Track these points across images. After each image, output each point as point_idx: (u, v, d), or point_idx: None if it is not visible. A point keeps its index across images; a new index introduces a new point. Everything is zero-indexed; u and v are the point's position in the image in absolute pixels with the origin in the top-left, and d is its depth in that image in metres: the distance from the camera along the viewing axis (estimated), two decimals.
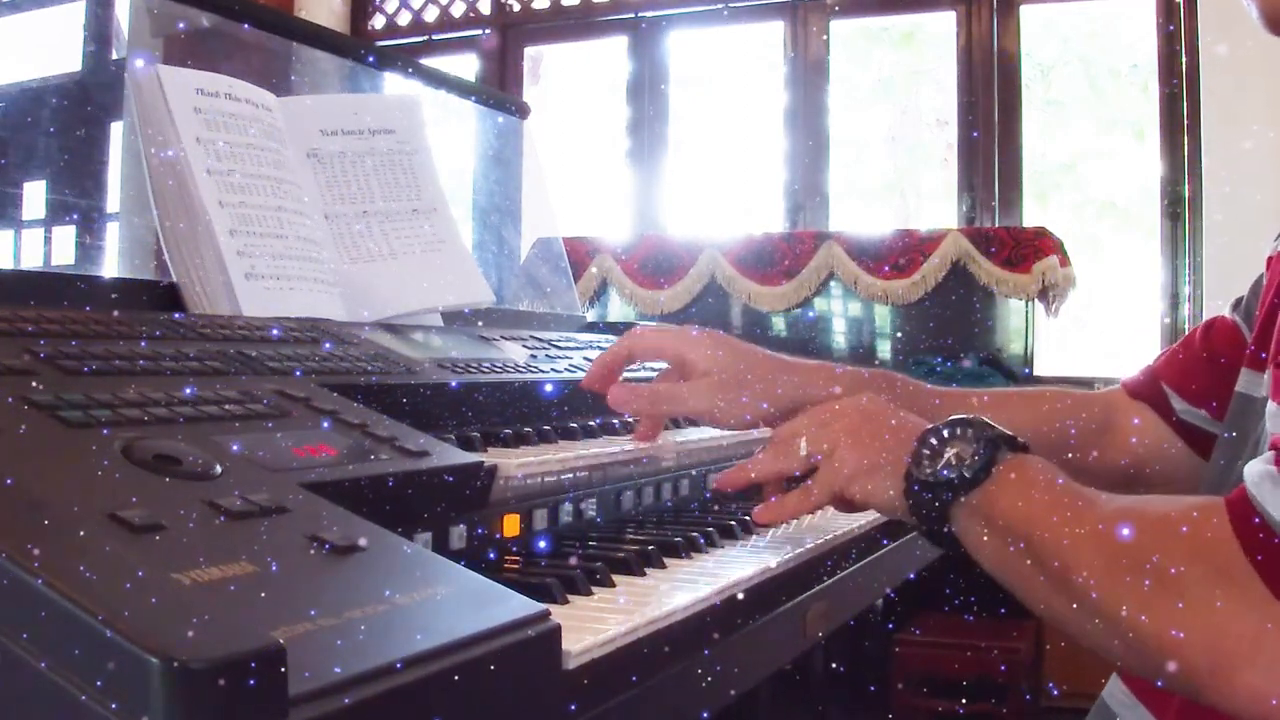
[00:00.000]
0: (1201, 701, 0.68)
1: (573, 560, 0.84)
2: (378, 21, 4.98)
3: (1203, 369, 1.10)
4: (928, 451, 0.83)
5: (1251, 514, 0.68)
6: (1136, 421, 1.15)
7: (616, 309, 3.87)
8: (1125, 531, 0.71)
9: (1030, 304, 3.46)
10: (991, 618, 2.93)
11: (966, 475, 0.80)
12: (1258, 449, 0.90)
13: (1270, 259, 1.02)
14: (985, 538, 0.80)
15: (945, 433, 0.83)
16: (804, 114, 4.29)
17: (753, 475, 0.96)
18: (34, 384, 0.67)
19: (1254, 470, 0.70)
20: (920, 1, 4.32)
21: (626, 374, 1.14)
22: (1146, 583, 0.68)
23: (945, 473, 0.81)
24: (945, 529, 0.82)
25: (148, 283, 1.11)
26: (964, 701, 2.81)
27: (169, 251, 1.10)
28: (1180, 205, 3.71)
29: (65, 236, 1.46)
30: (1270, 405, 0.85)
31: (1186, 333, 1.21)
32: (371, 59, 1.58)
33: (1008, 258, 3.41)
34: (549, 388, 1.17)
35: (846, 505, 0.93)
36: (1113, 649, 0.72)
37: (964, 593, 2.84)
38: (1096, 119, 4.31)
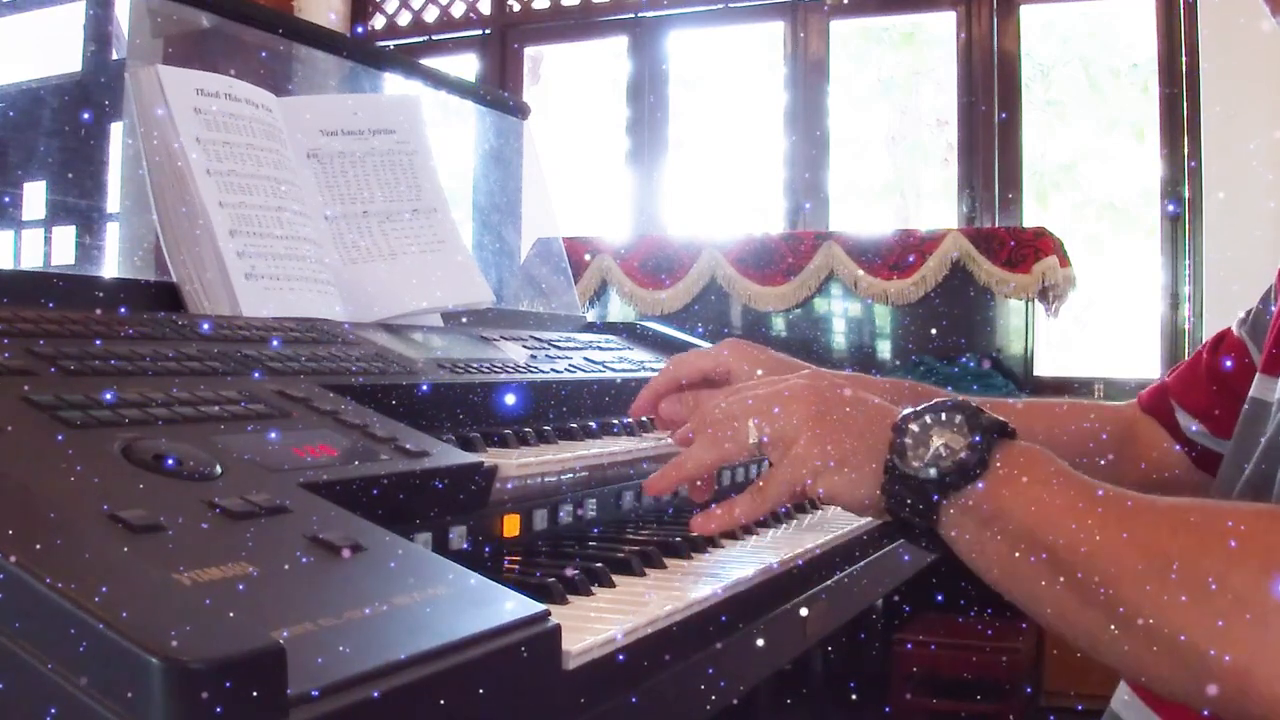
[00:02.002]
0: None
1: (572, 560, 0.84)
2: (378, 21, 4.98)
3: (1207, 385, 1.10)
4: (909, 441, 0.72)
5: None
6: (1148, 436, 1.15)
7: (616, 309, 3.86)
8: (1175, 538, 0.62)
9: (1030, 304, 3.46)
10: (991, 618, 2.93)
11: (960, 469, 0.69)
12: (1271, 452, 0.90)
13: None
14: (986, 541, 0.69)
15: (928, 419, 0.72)
16: (804, 114, 4.29)
17: (690, 468, 0.83)
18: (34, 384, 0.67)
19: None
20: (920, 1, 4.32)
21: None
22: (1215, 603, 0.59)
23: (934, 466, 0.70)
24: (933, 530, 0.72)
25: (148, 283, 1.11)
26: (964, 702, 2.81)
27: (169, 251, 1.10)
28: (1180, 205, 3.71)
29: (65, 236, 1.46)
30: None
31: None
32: (371, 59, 1.58)
33: (1008, 258, 3.41)
34: (549, 388, 1.17)
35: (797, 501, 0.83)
36: (1155, 672, 0.63)
37: (964, 593, 2.84)
38: (1096, 119, 4.31)
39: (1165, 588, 0.61)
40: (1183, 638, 0.60)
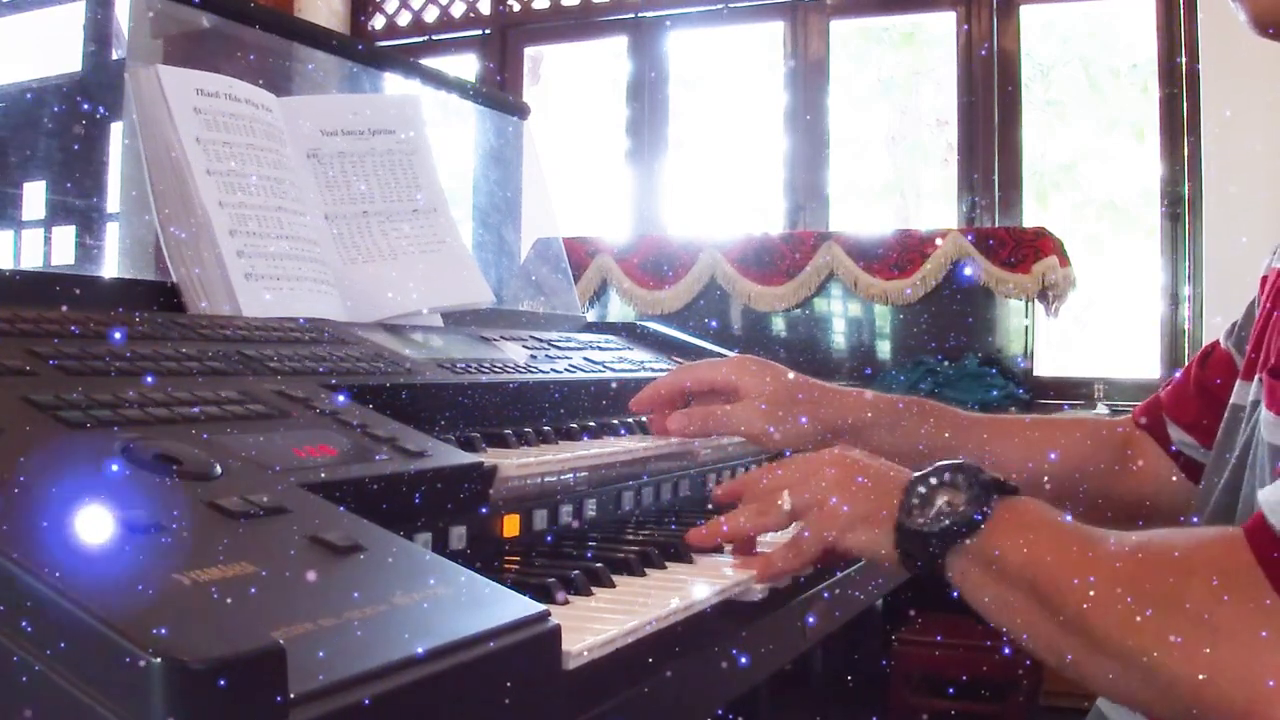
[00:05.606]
0: None
1: (572, 561, 0.84)
2: (378, 21, 4.98)
3: (1195, 398, 1.13)
4: (917, 500, 0.80)
5: (1274, 542, 0.65)
6: (1142, 449, 1.18)
7: (616, 309, 3.86)
8: (1141, 569, 0.69)
9: (1030, 304, 3.46)
10: None
11: (960, 522, 0.77)
12: (1244, 457, 0.91)
13: (1264, 279, 1.03)
14: (985, 584, 0.77)
15: (934, 480, 0.80)
16: (804, 114, 4.28)
17: (731, 533, 0.92)
18: (34, 384, 0.67)
19: (1272, 498, 0.67)
20: (920, 1, 4.31)
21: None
22: (1170, 622, 0.66)
23: (937, 521, 0.78)
24: (941, 577, 0.79)
25: (148, 283, 1.11)
26: (964, 702, 2.81)
27: (169, 251, 1.10)
28: (1180, 205, 3.70)
29: (65, 236, 1.46)
30: (1267, 414, 0.85)
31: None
32: (371, 59, 1.58)
33: (1008, 258, 3.41)
34: (548, 388, 1.17)
35: (830, 559, 0.90)
36: (1133, 693, 0.69)
37: None
38: (1096, 119, 4.31)
39: (1129, 612, 0.67)
40: (1145, 659, 0.66)
